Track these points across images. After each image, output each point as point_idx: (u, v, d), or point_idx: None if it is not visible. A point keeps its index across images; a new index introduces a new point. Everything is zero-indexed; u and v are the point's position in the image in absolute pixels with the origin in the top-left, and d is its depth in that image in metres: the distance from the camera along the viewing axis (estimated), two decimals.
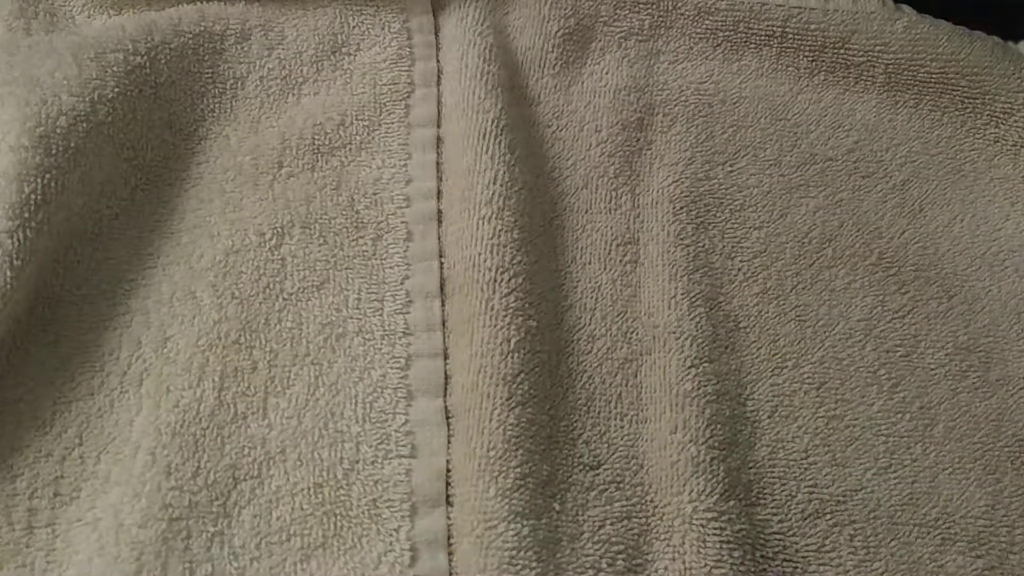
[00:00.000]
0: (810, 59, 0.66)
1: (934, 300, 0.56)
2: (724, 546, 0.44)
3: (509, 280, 0.50)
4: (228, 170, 0.54)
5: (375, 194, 0.54)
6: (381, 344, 0.48)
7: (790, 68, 0.66)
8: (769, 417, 0.50)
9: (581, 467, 0.46)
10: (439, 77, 0.60)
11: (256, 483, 0.43)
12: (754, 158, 0.61)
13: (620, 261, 0.54)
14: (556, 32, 0.65)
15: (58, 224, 0.47)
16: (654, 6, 0.67)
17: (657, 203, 0.57)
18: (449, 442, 0.46)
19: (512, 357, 0.47)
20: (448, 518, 0.44)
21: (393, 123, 0.58)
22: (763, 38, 0.67)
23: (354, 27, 0.62)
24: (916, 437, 0.50)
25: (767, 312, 0.54)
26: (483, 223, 0.51)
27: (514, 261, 0.50)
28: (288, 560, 0.41)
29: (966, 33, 0.66)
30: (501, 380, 0.46)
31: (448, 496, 0.44)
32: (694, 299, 0.53)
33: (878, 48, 0.66)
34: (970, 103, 0.65)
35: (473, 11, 0.63)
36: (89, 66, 0.52)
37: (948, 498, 0.48)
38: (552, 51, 0.64)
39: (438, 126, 0.58)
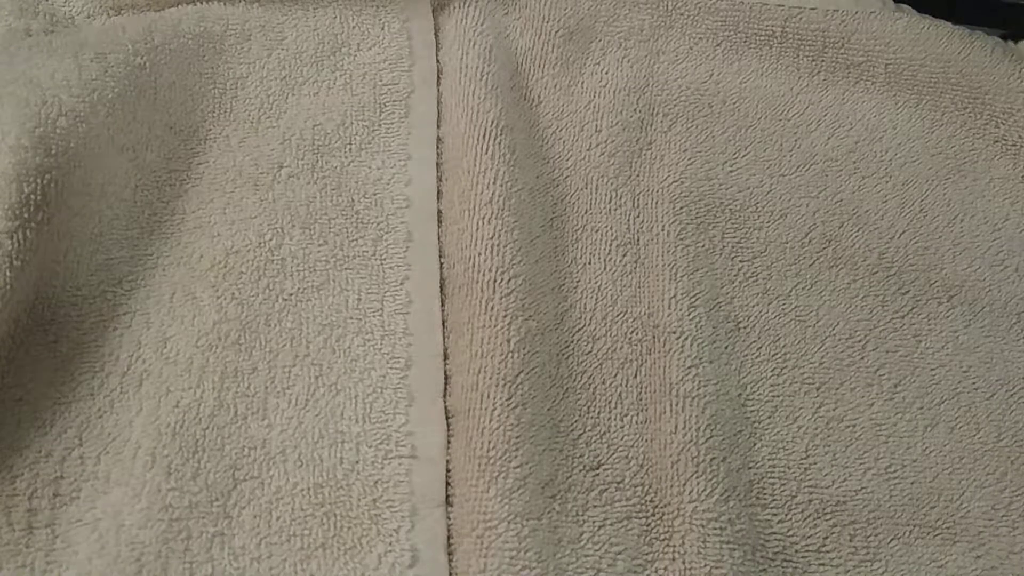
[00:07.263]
0: (810, 59, 0.66)
1: (934, 300, 0.56)
2: (724, 546, 0.44)
3: (509, 280, 0.50)
4: (228, 171, 0.54)
5: (375, 194, 0.54)
6: (381, 344, 0.48)
7: (790, 68, 0.66)
8: (769, 418, 0.50)
9: (581, 468, 0.46)
10: (439, 77, 0.60)
11: (256, 484, 0.43)
12: (755, 158, 0.61)
13: (620, 261, 0.54)
14: (556, 32, 0.65)
15: (58, 224, 0.47)
16: (654, 6, 0.67)
17: (657, 203, 0.57)
18: (449, 442, 0.46)
19: (512, 358, 0.47)
20: (448, 518, 0.44)
21: (393, 123, 0.58)
22: (763, 38, 0.67)
23: (354, 27, 0.62)
24: (917, 437, 0.50)
25: (768, 312, 0.54)
26: (483, 223, 0.51)
27: (514, 261, 0.50)
28: (288, 561, 0.41)
29: (966, 33, 0.66)
30: (501, 381, 0.46)
31: (448, 496, 0.44)
32: (695, 299, 0.53)
33: (878, 48, 0.66)
34: (970, 103, 0.65)
35: (473, 11, 0.63)
36: (89, 67, 0.52)
37: (949, 499, 0.48)
38: (552, 51, 0.64)
39: (438, 126, 0.58)
